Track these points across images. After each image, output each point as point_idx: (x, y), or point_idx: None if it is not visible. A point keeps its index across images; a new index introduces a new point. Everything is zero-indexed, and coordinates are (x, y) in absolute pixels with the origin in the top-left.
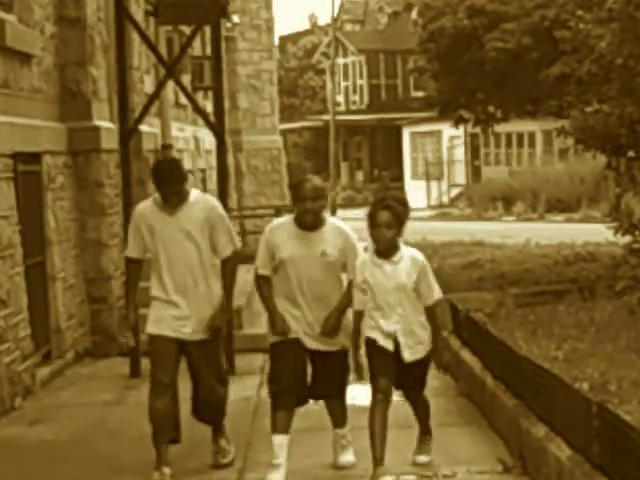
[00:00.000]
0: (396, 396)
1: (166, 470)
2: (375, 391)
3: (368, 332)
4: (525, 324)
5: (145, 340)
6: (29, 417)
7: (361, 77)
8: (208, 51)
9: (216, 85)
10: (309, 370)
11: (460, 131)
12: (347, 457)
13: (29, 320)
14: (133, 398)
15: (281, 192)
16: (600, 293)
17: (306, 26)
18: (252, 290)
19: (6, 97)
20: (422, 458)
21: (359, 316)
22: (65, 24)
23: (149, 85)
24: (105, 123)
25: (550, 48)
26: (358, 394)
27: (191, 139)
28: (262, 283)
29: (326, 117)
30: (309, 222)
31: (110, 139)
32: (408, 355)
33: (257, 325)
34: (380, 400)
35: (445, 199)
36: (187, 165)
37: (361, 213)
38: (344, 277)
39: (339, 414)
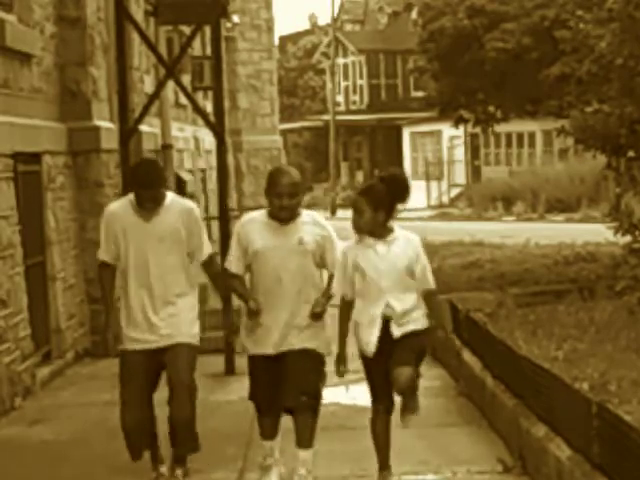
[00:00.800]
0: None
1: (163, 469)
2: (375, 402)
3: (360, 339)
4: (525, 324)
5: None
6: (29, 417)
7: (361, 77)
8: (208, 51)
9: (216, 85)
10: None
11: (460, 131)
12: None
13: (29, 320)
14: None
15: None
16: (600, 293)
17: (306, 26)
18: None
19: (6, 97)
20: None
21: (348, 306)
22: (65, 24)
23: (149, 85)
24: (105, 123)
25: (550, 48)
26: (358, 394)
27: (191, 139)
28: (234, 280)
29: (326, 117)
30: (284, 218)
31: (110, 139)
32: (397, 331)
33: None
34: (382, 411)
35: (445, 199)
36: (187, 165)
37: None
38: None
39: (307, 430)
